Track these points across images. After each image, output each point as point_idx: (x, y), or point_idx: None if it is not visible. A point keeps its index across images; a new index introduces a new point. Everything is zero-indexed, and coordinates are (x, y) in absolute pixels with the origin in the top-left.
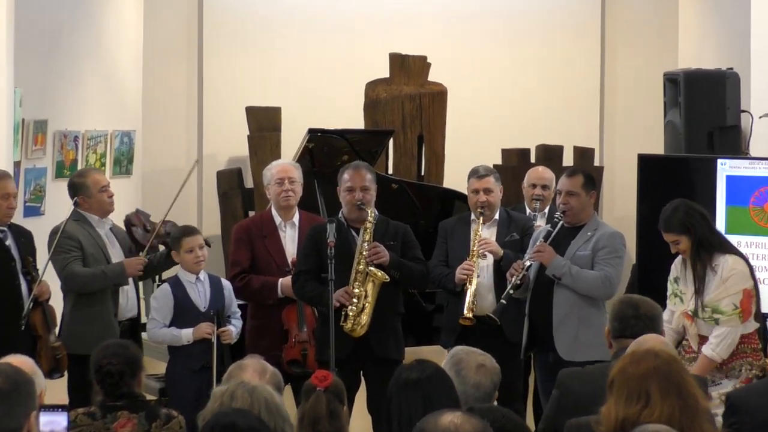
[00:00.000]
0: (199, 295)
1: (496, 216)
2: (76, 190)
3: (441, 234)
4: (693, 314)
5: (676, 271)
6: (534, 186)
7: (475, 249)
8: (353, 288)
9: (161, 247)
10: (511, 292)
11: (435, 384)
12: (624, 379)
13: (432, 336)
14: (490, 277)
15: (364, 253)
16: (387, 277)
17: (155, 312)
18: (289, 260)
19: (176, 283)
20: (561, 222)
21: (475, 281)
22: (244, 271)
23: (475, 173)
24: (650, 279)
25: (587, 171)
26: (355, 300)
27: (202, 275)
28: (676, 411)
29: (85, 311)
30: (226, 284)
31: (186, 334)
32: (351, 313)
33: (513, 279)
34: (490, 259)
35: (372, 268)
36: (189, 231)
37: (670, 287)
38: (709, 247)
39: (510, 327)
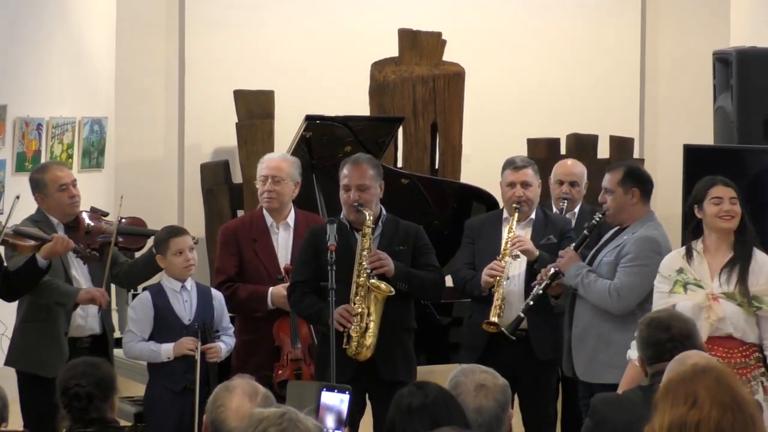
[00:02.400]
0: (184, 306)
1: (533, 215)
2: (33, 187)
3: (467, 233)
4: (728, 297)
5: (675, 264)
6: (561, 183)
7: (507, 248)
8: (354, 304)
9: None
10: (531, 303)
11: (442, 408)
12: (669, 387)
13: (448, 353)
14: (521, 284)
15: (364, 263)
16: (392, 290)
17: (132, 324)
18: (282, 267)
19: (158, 292)
20: (596, 223)
21: (504, 285)
22: (230, 279)
23: (512, 164)
24: None
25: (633, 166)
26: (356, 319)
27: (189, 284)
28: (728, 416)
29: (33, 325)
30: (217, 295)
31: (166, 350)
32: (354, 334)
33: (535, 288)
34: (523, 263)
35: (374, 281)
36: (176, 231)
37: (669, 280)
38: (751, 230)
39: (540, 343)
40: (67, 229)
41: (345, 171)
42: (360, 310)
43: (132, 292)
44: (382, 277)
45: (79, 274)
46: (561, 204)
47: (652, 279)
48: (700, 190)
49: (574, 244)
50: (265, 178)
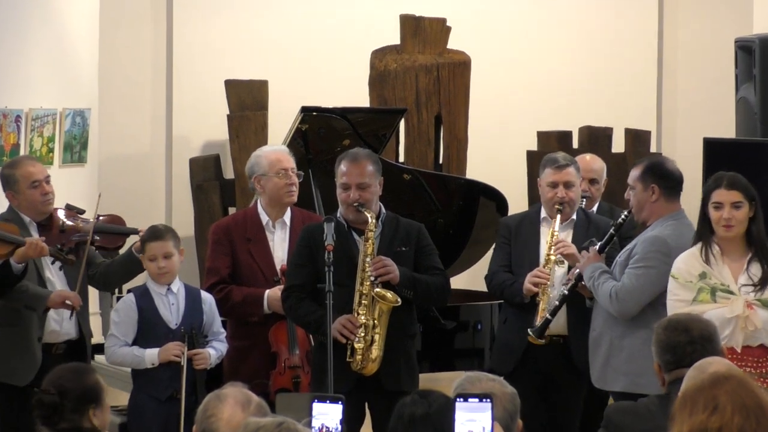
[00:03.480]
0: (170, 310)
1: (573, 216)
2: (4, 183)
3: (503, 233)
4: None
5: (693, 268)
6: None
7: (551, 253)
8: (357, 315)
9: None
10: (557, 303)
11: (447, 418)
12: (687, 396)
13: (453, 360)
14: (562, 290)
15: (368, 270)
16: (398, 300)
17: (115, 327)
18: (278, 268)
19: (143, 294)
20: (622, 221)
21: (549, 293)
22: (222, 281)
23: (554, 163)
24: None
25: (656, 161)
26: (360, 331)
27: (176, 286)
28: (751, 421)
29: (3, 330)
30: (207, 298)
31: (150, 355)
32: (358, 347)
33: (561, 289)
34: (564, 268)
35: (379, 290)
36: (155, 234)
37: (691, 287)
38: (764, 231)
39: (579, 349)
40: (40, 228)
41: (343, 168)
42: (364, 321)
43: (117, 294)
44: (386, 283)
45: (54, 275)
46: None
47: (657, 281)
48: (705, 191)
49: (599, 244)
50: (285, 170)
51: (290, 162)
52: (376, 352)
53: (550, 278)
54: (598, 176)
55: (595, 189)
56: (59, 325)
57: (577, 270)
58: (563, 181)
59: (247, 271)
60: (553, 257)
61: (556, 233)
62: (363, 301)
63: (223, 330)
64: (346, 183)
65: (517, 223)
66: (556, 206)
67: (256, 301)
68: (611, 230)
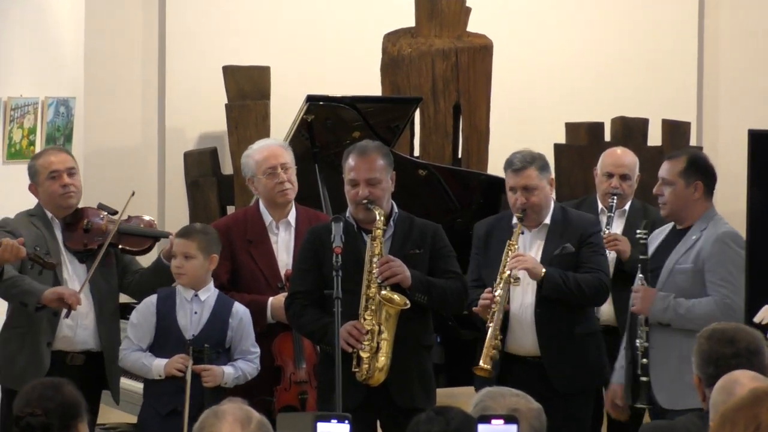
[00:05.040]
0: (190, 318)
1: (547, 220)
2: (29, 175)
3: (474, 241)
4: None
5: None
6: (610, 175)
7: (503, 270)
8: (363, 320)
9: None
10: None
11: None
12: (727, 416)
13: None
14: (532, 305)
15: (374, 272)
16: (406, 302)
17: (131, 329)
18: (283, 273)
19: (167, 297)
20: (646, 242)
21: (498, 316)
22: (221, 288)
23: (510, 165)
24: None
25: (698, 154)
26: (367, 338)
27: (206, 294)
28: None
29: (14, 333)
30: (240, 312)
31: (157, 366)
32: (364, 356)
33: (639, 346)
34: (533, 285)
35: (385, 293)
36: (183, 231)
37: None
38: None
39: (556, 370)
40: (65, 226)
41: (351, 162)
42: (370, 327)
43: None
44: (396, 287)
45: (72, 275)
46: (609, 201)
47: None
48: None
49: (639, 276)
50: (273, 168)
51: (279, 157)
52: (383, 360)
53: (500, 300)
54: (630, 171)
55: (627, 185)
56: (72, 331)
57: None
58: (521, 185)
59: (248, 276)
60: (506, 274)
61: (514, 245)
62: (370, 306)
63: (255, 350)
64: (354, 179)
65: (488, 229)
66: (517, 214)
67: (258, 310)
68: (640, 256)
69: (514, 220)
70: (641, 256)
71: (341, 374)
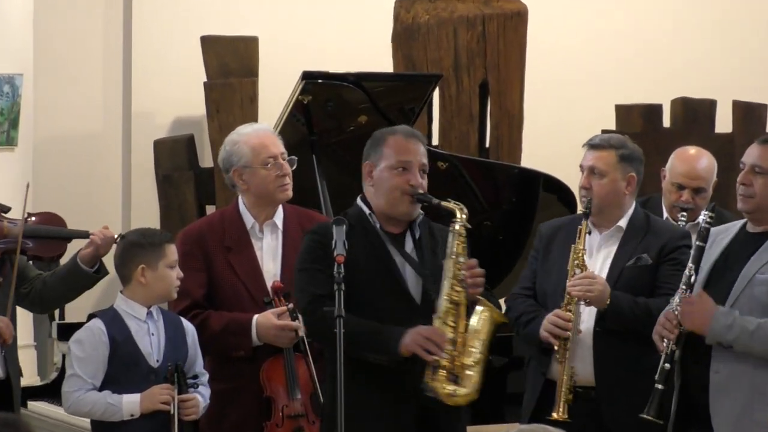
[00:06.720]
0: (151, 341)
1: (623, 222)
2: None
3: (535, 244)
4: None
5: None
6: (681, 188)
7: (570, 284)
8: (447, 326)
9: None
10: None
11: None
12: None
13: (503, 408)
14: (591, 325)
15: (461, 273)
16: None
17: (79, 365)
18: (269, 285)
19: (114, 320)
20: (705, 226)
21: (571, 348)
22: (196, 305)
23: (589, 141)
24: None
25: None
26: (450, 349)
27: (156, 310)
28: None
29: None
30: (190, 329)
31: (130, 404)
32: (446, 363)
33: (665, 347)
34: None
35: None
36: (167, 235)
37: None
38: None
39: (611, 405)
40: None
41: (399, 142)
42: (452, 335)
43: (57, 321)
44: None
45: None
46: (679, 216)
47: None
48: None
49: (693, 281)
50: (274, 157)
51: (279, 146)
52: (475, 377)
53: (574, 324)
54: (706, 184)
55: (701, 198)
56: None
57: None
58: (588, 165)
59: (228, 290)
60: (575, 294)
61: (581, 250)
62: (450, 312)
63: (205, 372)
64: (408, 160)
65: (553, 231)
66: (581, 207)
67: (241, 330)
68: (692, 257)
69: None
70: (698, 243)
71: (342, 401)
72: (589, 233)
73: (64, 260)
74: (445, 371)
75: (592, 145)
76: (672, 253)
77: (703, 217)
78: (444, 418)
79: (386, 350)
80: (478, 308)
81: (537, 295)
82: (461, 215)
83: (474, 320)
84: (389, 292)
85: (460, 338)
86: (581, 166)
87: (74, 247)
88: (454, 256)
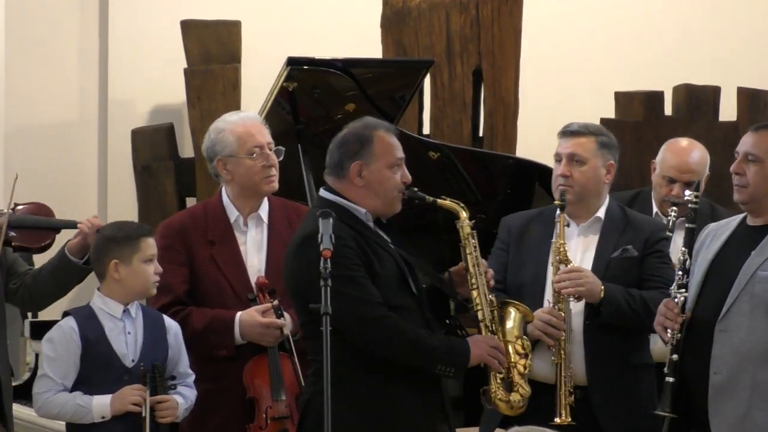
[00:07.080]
0: (126, 340)
1: (600, 212)
2: None
3: (501, 236)
4: None
5: None
6: (671, 181)
7: (557, 280)
8: (496, 333)
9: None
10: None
11: None
12: None
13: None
14: (581, 322)
15: (480, 275)
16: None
17: (50, 365)
18: (254, 281)
19: (88, 318)
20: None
21: (567, 347)
22: (177, 302)
23: (564, 129)
24: None
25: None
26: (515, 357)
27: (134, 308)
28: None
29: None
30: (172, 327)
31: (100, 405)
32: (519, 373)
33: (670, 337)
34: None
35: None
36: (146, 228)
37: None
38: None
39: (603, 404)
40: None
41: (389, 140)
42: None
43: (30, 319)
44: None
45: None
46: (669, 212)
47: None
48: None
49: (689, 265)
50: (260, 147)
51: (266, 135)
52: (526, 386)
53: (567, 321)
54: (698, 177)
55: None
56: None
57: (681, 297)
58: (567, 152)
59: (210, 286)
60: (561, 292)
61: (561, 244)
62: (491, 317)
63: (191, 372)
64: (402, 158)
65: (524, 223)
66: (557, 200)
67: (224, 328)
68: (684, 242)
69: (559, 210)
70: (688, 225)
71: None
72: (568, 225)
73: (52, 254)
74: (501, 380)
75: (571, 132)
76: (656, 244)
77: (687, 197)
78: None
79: (458, 363)
80: (510, 310)
81: (508, 289)
82: (464, 215)
83: (509, 324)
84: (399, 288)
85: (509, 346)
86: (557, 155)
87: (62, 242)
88: (472, 253)
